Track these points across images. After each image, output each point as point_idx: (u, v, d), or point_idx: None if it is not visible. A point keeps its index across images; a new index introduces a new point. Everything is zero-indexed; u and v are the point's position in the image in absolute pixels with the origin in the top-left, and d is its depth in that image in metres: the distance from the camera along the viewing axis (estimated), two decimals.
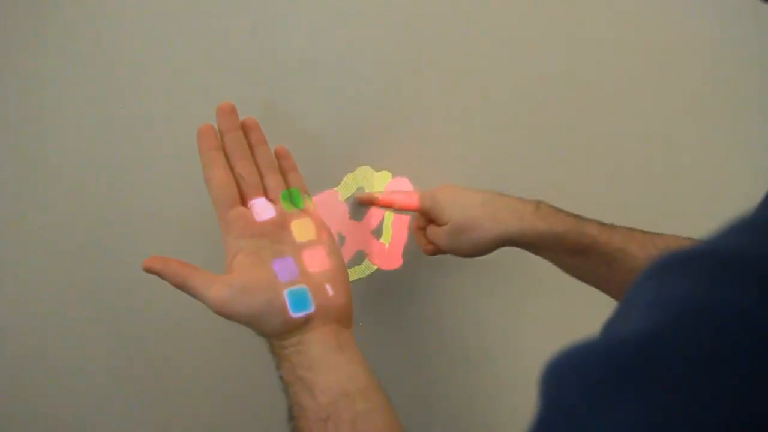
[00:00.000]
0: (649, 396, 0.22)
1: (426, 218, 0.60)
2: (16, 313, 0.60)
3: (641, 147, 0.70)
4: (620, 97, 0.68)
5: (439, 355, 0.72)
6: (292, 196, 0.49)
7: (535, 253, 0.55)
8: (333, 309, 0.46)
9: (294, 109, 0.61)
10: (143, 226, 0.61)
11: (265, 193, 0.48)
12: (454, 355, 0.72)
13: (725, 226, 0.26)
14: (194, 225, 0.60)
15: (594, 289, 0.56)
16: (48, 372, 0.63)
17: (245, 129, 0.50)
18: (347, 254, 0.63)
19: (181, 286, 0.45)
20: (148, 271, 0.46)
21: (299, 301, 0.44)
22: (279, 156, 0.52)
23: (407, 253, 0.65)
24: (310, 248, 0.47)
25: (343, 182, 0.62)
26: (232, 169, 0.48)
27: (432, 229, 0.59)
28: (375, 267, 0.64)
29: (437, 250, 0.59)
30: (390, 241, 0.64)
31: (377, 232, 0.64)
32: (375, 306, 0.68)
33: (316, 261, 0.47)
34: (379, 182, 0.63)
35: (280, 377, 0.45)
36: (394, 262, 0.64)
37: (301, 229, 0.48)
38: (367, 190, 0.63)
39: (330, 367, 0.43)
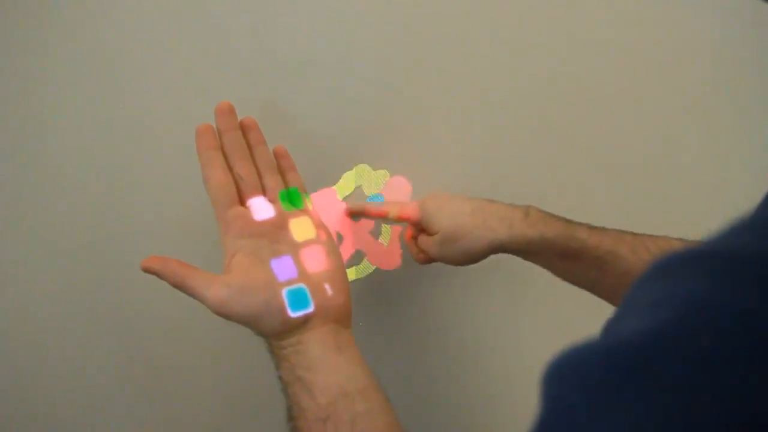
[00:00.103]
0: (650, 396, 0.22)
1: (417, 227, 0.60)
2: (16, 313, 0.60)
3: (641, 147, 0.70)
4: (620, 97, 0.68)
5: (438, 355, 0.72)
6: (290, 196, 0.49)
7: (526, 258, 0.56)
8: (332, 309, 0.46)
9: (292, 109, 0.61)
10: (143, 226, 0.61)
11: (264, 193, 0.48)
12: (453, 355, 0.72)
13: (726, 226, 0.26)
14: (193, 225, 0.60)
15: None
16: (48, 372, 0.63)
17: (244, 129, 0.50)
18: (346, 254, 0.63)
19: (179, 286, 0.45)
20: (147, 271, 0.46)
21: (298, 300, 0.44)
22: (277, 156, 0.52)
23: (406, 253, 0.65)
24: (308, 248, 0.47)
25: (340, 180, 0.63)
26: (230, 168, 0.48)
27: (423, 239, 0.59)
28: (374, 267, 0.64)
29: (429, 259, 0.59)
30: (389, 240, 0.64)
31: (376, 232, 0.64)
32: (374, 306, 0.68)
33: (315, 261, 0.47)
34: (377, 181, 0.63)
35: (279, 377, 0.45)
36: (393, 262, 0.64)
37: (300, 229, 0.48)
38: (365, 189, 0.63)
39: (329, 367, 0.43)
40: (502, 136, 0.67)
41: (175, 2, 0.57)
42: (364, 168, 0.63)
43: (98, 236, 0.60)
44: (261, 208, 0.47)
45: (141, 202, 0.60)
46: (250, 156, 0.49)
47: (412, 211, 0.58)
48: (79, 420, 0.65)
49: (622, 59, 0.67)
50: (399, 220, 0.59)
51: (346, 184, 0.63)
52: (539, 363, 0.26)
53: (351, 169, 0.63)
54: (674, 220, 0.69)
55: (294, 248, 0.47)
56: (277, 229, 0.47)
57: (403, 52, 0.63)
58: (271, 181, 0.49)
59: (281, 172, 0.51)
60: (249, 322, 0.44)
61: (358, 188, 0.63)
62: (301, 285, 0.45)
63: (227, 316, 0.44)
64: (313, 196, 0.60)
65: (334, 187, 0.62)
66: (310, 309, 0.45)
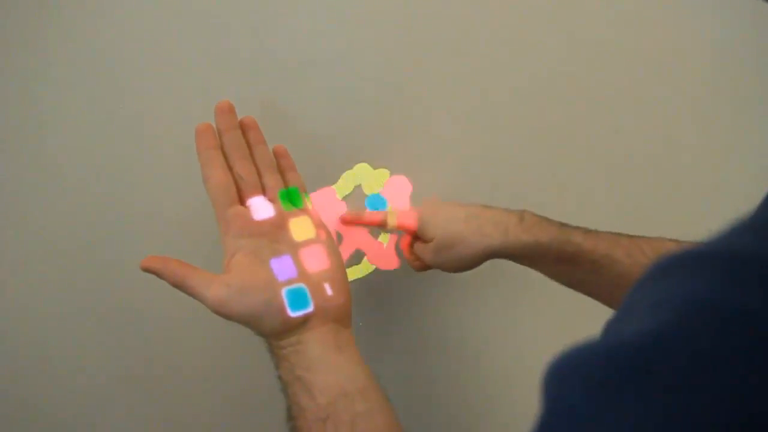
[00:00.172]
0: (650, 396, 0.22)
1: (412, 235, 0.60)
2: (16, 313, 0.60)
3: (641, 147, 0.70)
4: (620, 97, 0.68)
5: (438, 355, 0.72)
6: (290, 196, 0.49)
7: (521, 263, 0.56)
8: (332, 308, 0.46)
9: (292, 109, 0.61)
10: (143, 226, 0.61)
11: (264, 193, 0.48)
12: (453, 355, 0.72)
13: (726, 226, 0.26)
14: (193, 225, 0.60)
15: None
16: (48, 372, 0.63)
17: (244, 128, 0.50)
18: (345, 253, 0.62)
19: (179, 286, 0.45)
20: (146, 270, 0.46)
21: (298, 300, 0.44)
22: (277, 155, 0.52)
23: None
24: (308, 247, 0.47)
25: (340, 180, 0.62)
26: (230, 168, 0.48)
27: (418, 246, 0.59)
28: (374, 267, 0.64)
29: (425, 266, 0.59)
30: (389, 240, 0.64)
31: (375, 232, 0.64)
32: (374, 306, 0.68)
33: (315, 260, 0.47)
34: (377, 180, 0.63)
35: (279, 377, 0.45)
36: (393, 261, 0.64)
37: (300, 228, 0.48)
38: (365, 188, 0.63)
39: (329, 367, 0.43)
40: (503, 135, 0.67)
41: (175, 2, 0.57)
42: (364, 167, 0.63)
43: (98, 236, 0.60)
44: (261, 208, 0.47)
45: (141, 202, 0.60)
46: (249, 155, 0.49)
47: (411, 220, 0.58)
48: (79, 420, 0.65)
49: (622, 59, 0.67)
50: (398, 230, 0.59)
51: (346, 183, 0.63)
52: (539, 363, 0.26)
53: (351, 168, 0.63)
54: (674, 220, 0.69)
55: (294, 248, 0.47)
56: (276, 228, 0.47)
57: (403, 51, 0.63)
58: (271, 180, 0.49)
59: (281, 172, 0.51)
60: (249, 321, 0.44)
61: (358, 188, 0.63)
62: (301, 285, 0.45)
63: (227, 316, 0.44)
64: (313, 195, 0.60)
65: (334, 187, 0.62)
66: (310, 309, 0.44)
